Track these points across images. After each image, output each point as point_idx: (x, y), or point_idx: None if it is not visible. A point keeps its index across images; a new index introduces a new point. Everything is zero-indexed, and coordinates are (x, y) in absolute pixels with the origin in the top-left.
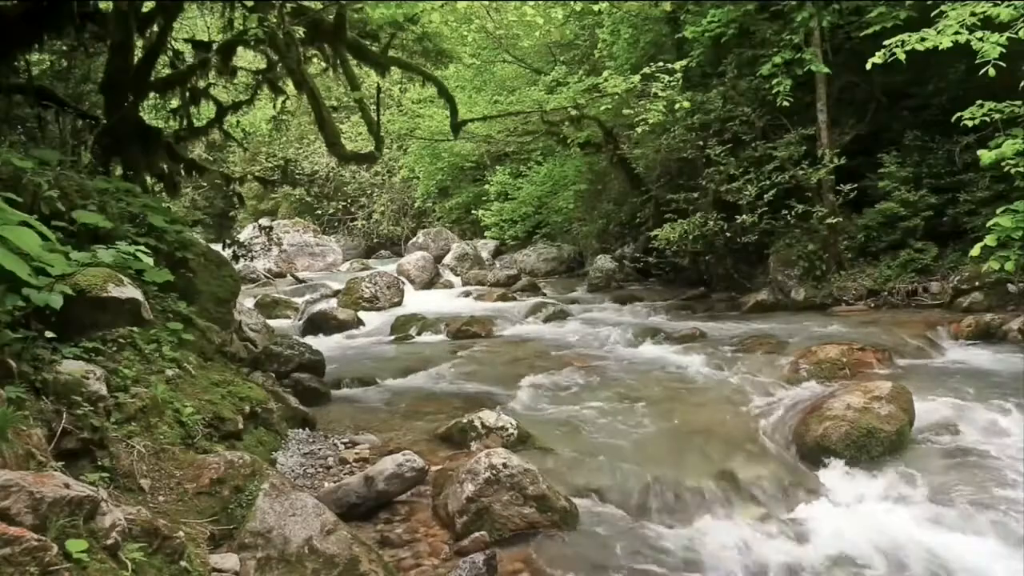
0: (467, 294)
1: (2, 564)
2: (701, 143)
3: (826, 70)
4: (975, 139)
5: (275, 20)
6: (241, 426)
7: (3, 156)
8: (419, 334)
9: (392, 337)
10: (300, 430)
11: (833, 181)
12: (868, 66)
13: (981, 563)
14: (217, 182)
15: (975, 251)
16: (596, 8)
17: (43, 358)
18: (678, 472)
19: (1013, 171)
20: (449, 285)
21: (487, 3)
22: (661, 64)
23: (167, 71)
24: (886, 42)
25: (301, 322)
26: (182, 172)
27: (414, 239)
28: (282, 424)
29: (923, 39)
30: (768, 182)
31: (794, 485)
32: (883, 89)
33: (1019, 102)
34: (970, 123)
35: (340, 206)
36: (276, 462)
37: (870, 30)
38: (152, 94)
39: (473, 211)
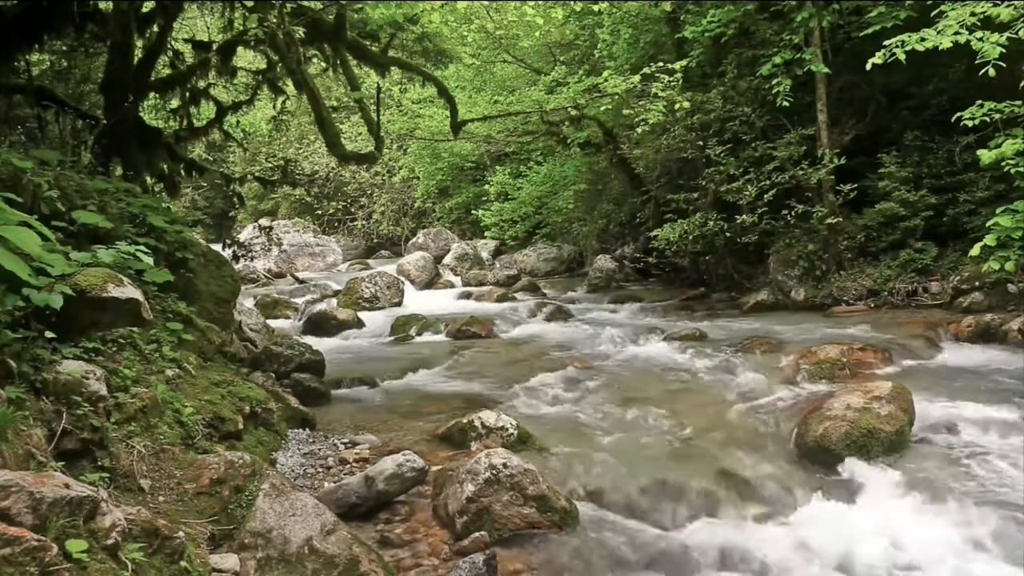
0: (467, 294)
1: (2, 564)
2: (701, 143)
3: (826, 70)
4: (975, 139)
5: (275, 20)
6: (241, 426)
7: (3, 156)
8: (419, 334)
9: (392, 337)
10: (300, 430)
11: (833, 181)
12: (868, 66)
13: (981, 563)
14: (217, 182)
15: (975, 251)
16: (596, 8)
17: (43, 358)
18: (678, 472)
19: (1013, 171)
20: (449, 285)
21: (487, 3)
22: (661, 64)
23: (167, 71)
24: (886, 42)
25: (301, 322)
26: (182, 172)
27: (414, 239)
28: (282, 424)
29: (923, 39)
30: (768, 182)
31: (794, 485)
32: (883, 89)
33: (1019, 102)
34: (970, 123)
35: (340, 206)
36: (276, 462)
37: (870, 30)
38: (152, 94)
39: (473, 211)
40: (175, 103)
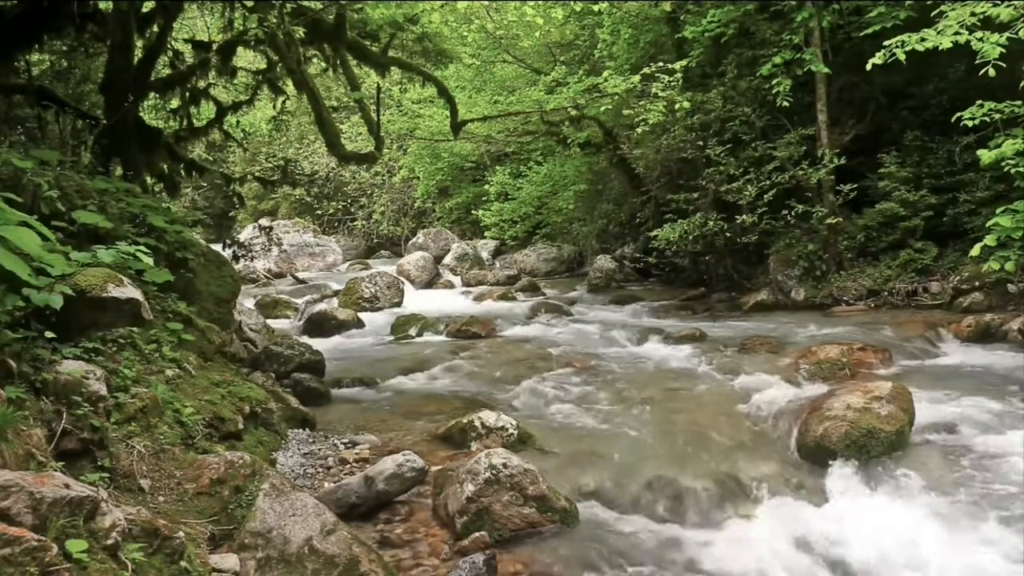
0: (467, 294)
1: (2, 564)
2: (701, 143)
3: (826, 70)
4: (975, 139)
5: (275, 20)
6: (241, 426)
7: (3, 156)
8: (419, 334)
9: (392, 337)
10: (300, 430)
11: (833, 181)
12: (868, 66)
13: (980, 563)
14: (217, 182)
15: (975, 251)
16: (596, 8)
17: (43, 358)
18: (678, 472)
19: (1013, 171)
20: (449, 285)
21: (487, 3)
22: (661, 64)
23: (167, 71)
24: (886, 42)
25: (301, 322)
26: (182, 172)
27: (414, 239)
28: (282, 424)
29: (923, 39)
30: (768, 182)
31: (794, 485)
32: (883, 89)
33: (1019, 102)
34: (970, 123)
35: (340, 206)
36: (276, 462)
37: (870, 30)
38: (152, 94)
39: (473, 211)
40: (175, 103)
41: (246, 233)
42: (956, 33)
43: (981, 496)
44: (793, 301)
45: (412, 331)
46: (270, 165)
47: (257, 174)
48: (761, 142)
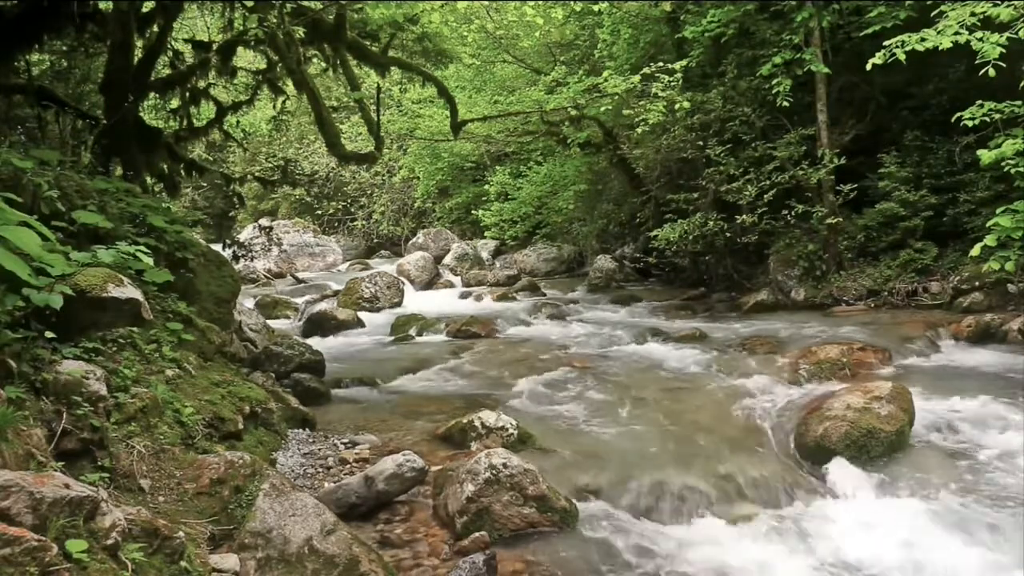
0: (467, 294)
1: (2, 564)
2: (701, 143)
3: (826, 70)
4: (975, 139)
5: (275, 20)
6: (241, 426)
7: (3, 156)
8: (419, 334)
9: (392, 337)
10: (300, 430)
11: (833, 181)
12: (868, 66)
13: (979, 563)
14: (217, 182)
15: (975, 251)
16: (596, 8)
17: (43, 358)
18: (678, 472)
19: (1013, 171)
20: (449, 285)
21: (487, 3)
22: (661, 64)
23: (167, 71)
24: (886, 42)
25: (301, 322)
26: (182, 172)
27: (414, 239)
28: (282, 424)
29: (923, 39)
30: (768, 182)
31: (794, 485)
32: (883, 89)
33: (1019, 102)
34: (970, 123)
35: (340, 206)
36: (276, 462)
37: (870, 30)
38: (152, 94)
39: (473, 211)
40: (175, 103)
41: (246, 233)
42: (956, 33)
43: (981, 497)
44: (793, 301)
45: (412, 331)
46: (270, 165)
47: (257, 174)
48: (761, 142)
